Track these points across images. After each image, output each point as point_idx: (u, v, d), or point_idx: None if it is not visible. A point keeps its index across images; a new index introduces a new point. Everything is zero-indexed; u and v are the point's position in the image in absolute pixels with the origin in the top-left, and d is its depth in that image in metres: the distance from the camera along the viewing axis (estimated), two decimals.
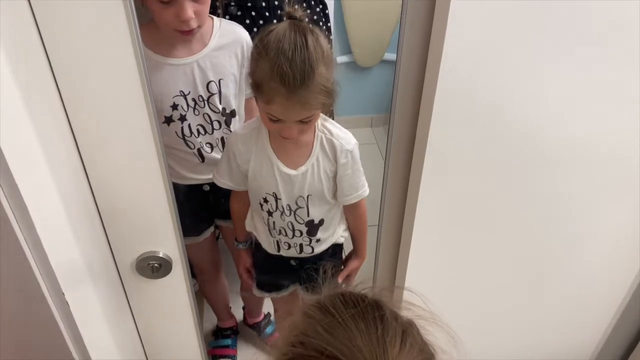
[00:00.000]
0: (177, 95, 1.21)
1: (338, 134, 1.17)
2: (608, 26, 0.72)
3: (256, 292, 1.45)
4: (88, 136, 0.74)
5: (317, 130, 1.16)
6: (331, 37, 1.61)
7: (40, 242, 0.62)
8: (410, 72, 0.77)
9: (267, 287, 1.43)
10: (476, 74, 0.74)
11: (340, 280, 1.35)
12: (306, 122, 1.06)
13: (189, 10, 1.08)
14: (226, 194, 1.33)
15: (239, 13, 1.43)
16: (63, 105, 0.71)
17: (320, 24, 1.52)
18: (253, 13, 1.44)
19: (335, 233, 1.33)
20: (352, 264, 1.37)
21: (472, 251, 0.96)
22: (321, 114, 1.17)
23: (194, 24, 1.11)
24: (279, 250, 1.31)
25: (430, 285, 0.98)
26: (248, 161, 1.18)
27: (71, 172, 0.75)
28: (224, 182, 1.24)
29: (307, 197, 1.20)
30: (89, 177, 0.78)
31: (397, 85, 0.79)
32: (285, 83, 0.97)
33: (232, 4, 1.39)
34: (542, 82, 0.76)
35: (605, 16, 0.71)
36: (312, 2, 1.50)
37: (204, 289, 1.70)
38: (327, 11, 1.57)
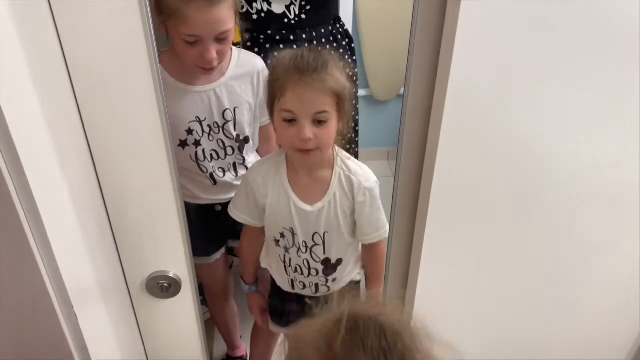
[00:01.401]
0: (192, 121, 1.24)
1: (357, 170, 1.16)
2: (627, 53, 0.73)
3: (272, 327, 1.43)
4: (105, 157, 0.77)
5: (335, 167, 1.15)
6: (356, 70, 1.65)
7: (53, 256, 0.64)
8: (418, 103, 0.79)
9: (281, 321, 1.40)
10: (483, 105, 0.75)
11: None
12: (320, 125, 1.05)
13: (213, 51, 1.13)
14: None
15: (267, 46, 1.48)
16: (83, 126, 0.74)
17: (347, 57, 1.56)
18: (281, 46, 1.49)
19: (353, 271, 1.31)
20: None
21: (481, 284, 0.96)
22: (343, 152, 1.18)
23: (215, 63, 1.16)
24: (293, 289, 1.30)
25: (438, 313, 0.99)
26: (266, 196, 1.18)
27: (88, 190, 0.78)
28: (240, 217, 1.24)
29: (324, 234, 1.19)
30: (104, 195, 0.81)
31: (405, 116, 0.81)
32: (299, 69, 1.02)
33: (262, 37, 1.44)
34: (552, 113, 0.77)
35: (625, 43, 0.71)
36: (339, 37, 1.54)
37: (214, 315, 1.71)
38: (352, 45, 1.61)
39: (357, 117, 1.68)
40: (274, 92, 1.07)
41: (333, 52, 1.10)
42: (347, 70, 1.09)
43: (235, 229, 1.41)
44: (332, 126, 1.07)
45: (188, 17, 1.08)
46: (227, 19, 1.12)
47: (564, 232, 0.90)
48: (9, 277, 0.63)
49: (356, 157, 1.23)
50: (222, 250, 1.52)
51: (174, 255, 0.89)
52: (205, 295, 1.67)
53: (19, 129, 0.57)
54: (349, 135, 1.18)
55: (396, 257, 0.97)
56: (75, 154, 0.74)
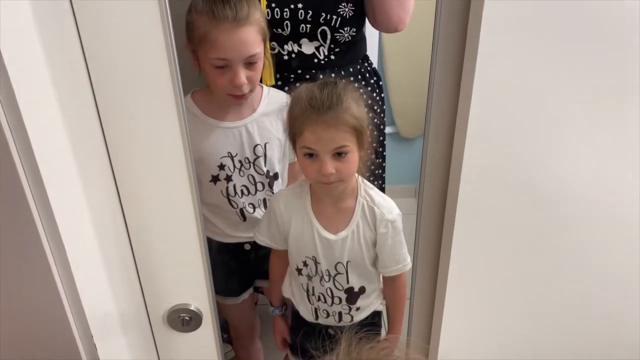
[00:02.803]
0: (224, 156, 1.27)
1: (380, 202, 1.17)
2: None
3: (291, 357, 1.43)
4: (130, 189, 0.79)
5: (359, 196, 1.17)
6: (384, 107, 1.67)
7: (75, 286, 0.66)
8: (439, 140, 0.80)
9: (302, 353, 1.40)
10: (504, 142, 0.75)
11: None
12: (341, 157, 1.06)
13: (242, 76, 1.16)
14: (267, 254, 1.36)
15: (297, 84, 1.52)
16: (109, 158, 0.77)
17: (374, 94, 1.59)
18: None
19: (376, 301, 1.31)
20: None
21: (507, 321, 0.93)
22: (366, 183, 1.20)
23: (246, 89, 1.18)
24: (317, 318, 1.30)
25: (465, 350, 0.96)
26: (288, 222, 1.20)
27: (111, 221, 0.80)
28: (262, 240, 1.26)
29: (347, 264, 1.20)
30: (128, 227, 0.82)
31: (427, 154, 0.81)
32: (315, 107, 1.04)
33: (292, 76, 1.47)
34: (575, 147, 0.76)
35: None
36: (367, 75, 1.57)
37: (238, 354, 1.69)
38: (380, 83, 1.63)
39: (384, 153, 1.69)
40: (294, 130, 1.10)
41: (347, 82, 1.11)
42: (368, 100, 1.12)
43: (263, 269, 1.41)
44: (354, 158, 1.09)
45: (216, 40, 1.12)
46: (254, 42, 1.15)
47: (593, 270, 0.88)
48: (29, 307, 0.65)
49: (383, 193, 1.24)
50: (250, 290, 1.52)
51: (195, 288, 0.90)
52: (229, 333, 1.67)
53: (46, 162, 0.59)
54: (371, 161, 1.18)
55: (420, 295, 0.96)
56: (100, 185, 0.76)
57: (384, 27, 1.47)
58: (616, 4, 0.66)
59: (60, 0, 0.64)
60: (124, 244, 0.83)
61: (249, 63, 1.17)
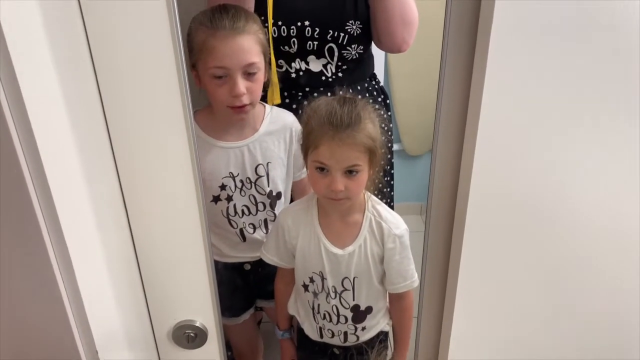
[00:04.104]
0: (226, 177, 1.27)
1: (387, 217, 1.17)
2: None
3: None
4: (138, 207, 0.80)
5: (366, 211, 1.17)
6: (391, 125, 1.67)
7: (82, 302, 0.66)
8: (447, 159, 0.80)
9: None
10: (512, 160, 0.74)
11: None
12: (352, 175, 1.07)
13: (241, 85, 1.16)
14: (267, 274, 1.35)
15: (305, 102, 1.53)
16: (118, 177, 0.77)
17: (382, 112, 1.59)
18: None
19: (382, 321, 1.30)
20: None
21: (516, 340, 0.92)
22: (373, 198, 1.20)
23: (246, 100, 1.18)
24: (321, 337, 1.29)
25: None
26: (296, 237, 1.20)
27: (119, 236, 0.80)
28: (270, 258, 1.26)
29: (354, 279, 1.19)
30: (135, 243, 0.82)
31: (435, 172, 0.81)
32: (333, 124, 1.04)
33: (300, 94, 1.48)
34: (584, 167, 0.76)
35: None
36: (375, 93, 1.58)
37: None
38: (387, 101, 1.64)
39: (392, 171, 1.69)
40: (308, 143, 1.10)
41: (365, 101, 1.12)
42: (380, 120, 1.12)
43: (264, 289, 1.41)
44: (364, 177, 1.10)
45: (214, 48, 1.13)
46: (252, 51, 1.16)
47: (601, 284, 0.87)
48: (36, 322, 0.65)
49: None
50: (251, 310, 1.51)
51: (201, 304, 0.89)
52: (233, 355, 1.65)
53: (56, 179, 0.59)
54: (377, 181, 1.19)
55: (428, 312, 0.95)
56: (108, 201, 0.76)
57: (387, 47, 1.49)
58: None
59: (70, 4, 0.65)
60: (130, 260, 0.83)
61: (248, 74, 1.17)
